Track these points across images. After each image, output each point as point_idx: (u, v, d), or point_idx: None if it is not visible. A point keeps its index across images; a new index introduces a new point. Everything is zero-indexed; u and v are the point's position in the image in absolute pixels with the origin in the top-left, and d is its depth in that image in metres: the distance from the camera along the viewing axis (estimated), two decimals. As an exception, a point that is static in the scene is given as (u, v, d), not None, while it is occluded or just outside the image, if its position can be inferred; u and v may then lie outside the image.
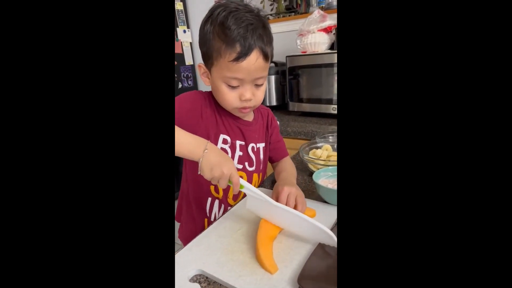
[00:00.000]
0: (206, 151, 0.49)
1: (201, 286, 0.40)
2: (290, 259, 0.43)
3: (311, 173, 0.74)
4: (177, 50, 2.12)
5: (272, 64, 1.67)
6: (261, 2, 1.86)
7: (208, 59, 0.57)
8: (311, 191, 0.67)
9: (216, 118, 0.63)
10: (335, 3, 1.49)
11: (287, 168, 0.71)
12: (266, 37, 0.55)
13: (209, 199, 0.67)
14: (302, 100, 1.45)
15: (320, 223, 0.44)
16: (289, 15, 1.69)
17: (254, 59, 0.54)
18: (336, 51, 1.30)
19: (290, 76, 1.44)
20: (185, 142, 0.49)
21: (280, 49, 1.78)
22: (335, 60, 1.27)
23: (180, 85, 2.18)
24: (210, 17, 0.55)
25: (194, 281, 0.41)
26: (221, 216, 0.67)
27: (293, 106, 1.49)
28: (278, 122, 1.37)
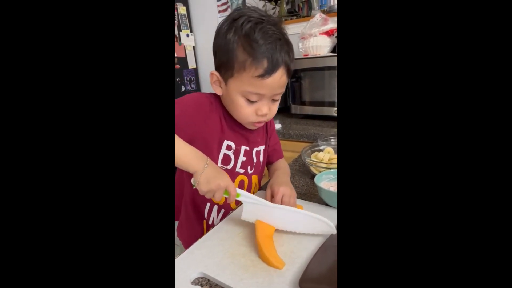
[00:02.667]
0: (206, 166, 0.49)
1: (203, 289, 0.40)
2: (292, 262, 0.43)
3: (313, 176, 0.74)
4: (180, 53, 2.14)
5: (274, 67, 1.67)
6: (263, 6, 1.87)
7: (227, 69, 0.54)
8: (313, 194, 0.67)
9: (222, 124, 0.61)
10: (336, 6, 1.50)
11: (282, 166, 0.72)
12: (291, 53, 0.54)
13: (208, 204, 0.67)
14: (305, 102, 1.45)
15: (315, 214, 0.48)
16: (291, 19, 1.69)
17: (279, 76, 0.52)
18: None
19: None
20: (184, 154, 0.49)
21: (282, 52, 1.78)
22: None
23: (183, 89, 2.20)
24: (233, 26, 0.52)
25: (196, 284, 0.41)
26: (220, 220, 0.68)
27: (296, 108, 1.50)
28: (280, 125, 1.38)
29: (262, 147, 0.70)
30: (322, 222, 0.48)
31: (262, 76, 0.51)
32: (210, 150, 0.60)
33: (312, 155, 0.80)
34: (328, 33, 1.34)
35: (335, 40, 1.35)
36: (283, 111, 1.69)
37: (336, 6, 1.50)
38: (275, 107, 0.60)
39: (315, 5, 1.59)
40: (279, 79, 0.53)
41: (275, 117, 1.58)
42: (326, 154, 0.78)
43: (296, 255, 0.45)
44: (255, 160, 0.68)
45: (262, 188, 0.73)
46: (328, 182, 0.64)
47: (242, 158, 0.65)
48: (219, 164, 0.63)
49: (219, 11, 2.14)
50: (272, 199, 0.57)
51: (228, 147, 0.63)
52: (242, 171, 0.66)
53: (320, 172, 0.68)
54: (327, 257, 0.42)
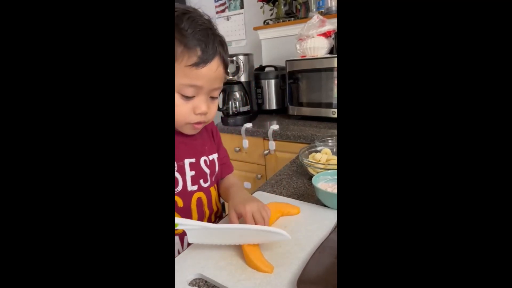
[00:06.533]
0: None
1: (200, 290, 0.40)
2: (289, 263, 0.43)
3: (310, 176, 0.74)
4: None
5: (272, 68, 1.68)
6: (261, 7, 1.87)
7: None
8: (310, 195, 0.67)
9: None
10: (334, 8, 1.50)
11: (234, 182, 0.67)
12: (225, 46, 0.52)
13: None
14: (302, 104, 1.46)
15: (263, 226, 0.47)
16: (288, 20, 1.70)
17: (215, 67, 0.49)
18: (335, 55, 1.31)
19: (290, 80, 1.45)
20: None
21: (280, 54, 1.79)
22: (335, 65, 1.28)
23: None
24: None
25: (194, 285, 0.41)
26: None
27: (293, 110, 1.50)
28: (277, 126, 1.38)
29: (214, 156, 0.65)
30: (272, 232, 0.45)
31: (197, 64, 0.47)
32: None
33: (310, 156, 0.81)
34: (326, 35, 1.35)
35: (333, 42, 1.36)
36: (281, 112, 1.69)
37: (333, 8, 1.50)
38: (214, 106, 0.55)
39: (313, 6, 1.60)
40: (215, 70, 0.49)
41: (273, 118, 1.59)
42: (324, 155, 0.78)
43: (294, 256, 0.45)
44: (207, 170, 0.62)
45: (263, 188, 0.73)
46: (325, 183, 0.64)
47: (190, 173, 0.58)
48: None
49: (217, 12, 2.14)
50: (244, 221, 0.50)
51: None
52: (195, 187, 0.59)
53: (318, 173, 0.68)
54: (324, 258, 0.42)
